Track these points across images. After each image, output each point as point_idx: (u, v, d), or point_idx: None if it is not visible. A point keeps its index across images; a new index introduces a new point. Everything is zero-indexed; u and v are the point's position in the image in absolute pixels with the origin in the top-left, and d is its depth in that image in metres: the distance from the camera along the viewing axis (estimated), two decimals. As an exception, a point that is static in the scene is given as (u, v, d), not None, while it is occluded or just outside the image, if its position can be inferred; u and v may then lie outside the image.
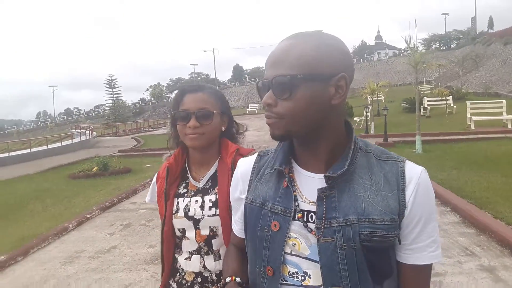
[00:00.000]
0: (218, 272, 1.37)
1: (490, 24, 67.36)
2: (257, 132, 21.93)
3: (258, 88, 0.95)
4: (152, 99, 69.41)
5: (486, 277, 3.44)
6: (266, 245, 0.95)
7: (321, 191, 0.89)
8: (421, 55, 11.72)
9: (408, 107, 21.94)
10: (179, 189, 1.44)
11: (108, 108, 47.73)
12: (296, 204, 0.93)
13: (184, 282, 1.41)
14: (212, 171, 1.42)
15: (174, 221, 1.39)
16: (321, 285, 0.90)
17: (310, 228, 0.90)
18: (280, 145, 1.02)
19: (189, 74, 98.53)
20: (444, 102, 20.00)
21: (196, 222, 1.36)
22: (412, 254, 0.90)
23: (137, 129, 36.57)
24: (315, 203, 0.91)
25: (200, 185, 1.42)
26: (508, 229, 4.30)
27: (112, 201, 7.14)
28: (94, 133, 26.34)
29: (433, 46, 67.68)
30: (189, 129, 1.34)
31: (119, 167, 10.86)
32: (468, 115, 15.33)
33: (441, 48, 64.48)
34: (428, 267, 0.92)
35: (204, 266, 1.38)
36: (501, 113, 15.26)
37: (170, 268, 1.44)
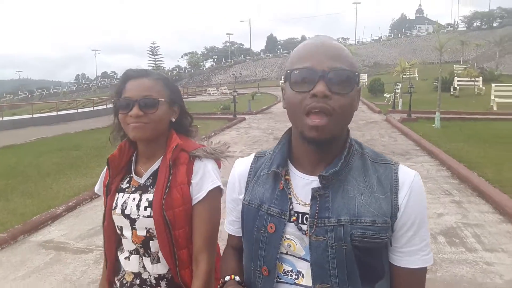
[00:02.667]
0: (156, 276, 1.28)
1: (538, 3, 64.18)
2: (290, 103, 23.43)
3: (294, 76, 0.87)
4: (188, 67, 71.34)
5: (453, 205, 5.10)
6: (262, 246, 0.96)
7: (315, 190, 0.91)
8: (448, 39, 12.72)
9: (440, 86, 22.67)
10: (122, 183, 1.33)
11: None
12: (291, 206, 0.94)
13: (124, 282, 1.32)
14: (155, 166, 1.31)
15: (114, 217, 1.30)
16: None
17: (304, 231, 0.92)
18: (278, 146, 1.03)
19: (223, 43, 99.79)
20: (473, 83, 20.72)
21: (132, 222, 1.27)
22: (404, 257, 0.92)
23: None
24: (308, 204, 0.92)
25: (142, 181, 1.31)
26: (481, 180, 5.87)
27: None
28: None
29: (475, 23, 65.42)
30: (131, 118, 1.22)
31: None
32: (492, 97, 16.25)
33: (483, 26, 62.30)
34: (422, 270, 0.92)
35: (144, 267, 1.29)
36: (525, 96, 16.09)
37: (113, 264, 1.36)
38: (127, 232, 1.28)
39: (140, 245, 1.27)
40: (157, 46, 44.54)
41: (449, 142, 9.14)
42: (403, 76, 20.62)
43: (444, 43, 12.32)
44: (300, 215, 0.93)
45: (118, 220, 1.29)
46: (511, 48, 37.68)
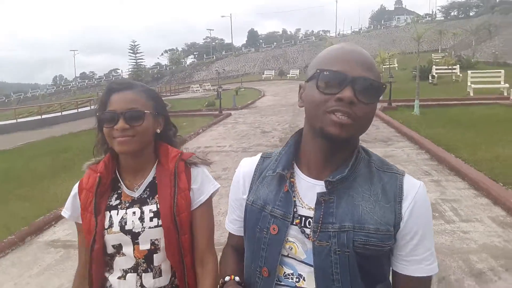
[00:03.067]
0: None
1: (511, -9, 65.98)
2: (273, 97, 23.81)
3: (323, 77, 0.87)
4: (170, 64, 70.96)
5: (432, 184, 5.48)
6: (264, 246, 0.97)
7: (320, 195, 0.92)
8: (426, 30, 13.18)
9: (419, 75, 23.31)
10: (110, 201, 1.29)
11: (129, 72, 49.81)
12: (295, 209, 0.95)
13: None
14: (149, 178, 1.30)
15: (107, 237, 1.25)
16: None
17: (307, 234, 0.93)
18: (285, 148, 1.03)
19: (203, 39, 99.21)
20: (450, 71, 21.38)
21: (134, 236, 1.25)
22: (409, 266, 0.93)
23: (159, 93, 38.65)
24: (312, 208, 0.93)
25: (136, 194, 1.29)
26: (458, 161, 6.28)
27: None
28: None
29: (452, 13, 66.85)
30: (117, 132, 1.20)
31: (163, 124, 13.00)
32: (469, 83, 16.86)
33: (460, 16, 63.74)
34: (426, 279, 0.93)
35: (142, 285, 1.26)
36: (499, 82, 16.71)
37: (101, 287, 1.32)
38: (128, 249, 1.25)
39: (143, 260, 1.26)
40: (138, 45, 44.41)
41: (428, 127, 9.57)
42: (383, 66, 21.15)
43: (422, 34, 12.77)
44: (303, 218, 0.94)
45: (115, 238, 1.25)
46: (486, 36, 38.72)
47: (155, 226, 1.24)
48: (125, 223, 1.25)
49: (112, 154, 1.31)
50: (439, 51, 40.53)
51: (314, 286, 0.92)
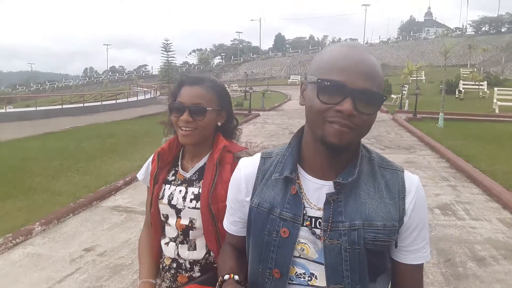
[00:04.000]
0: (191, 261, 1.40)
1: (547, 9, 64.59)
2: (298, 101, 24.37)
3: (323, 87, 0.88)
4: (198, 63, 72.46)
5: (449, 188, 6.06)
6: (274, 249, 0.98)
7: (329, 195, 0.94)
8: (452, 45, 13.59)
9: (446, 88, 23.49)
10: (168, 176, 1.45)
11: (160, 69, 51.39)
12: (304, 211, 0.96)
13: (164, 265, 1.46)
14: (201, 163, 1.43)
15: (160, 206, 1.42)
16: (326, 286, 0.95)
17: (318, 235, 0.95)
18: (288, 150, 1.04)
19: (231, 41, 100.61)
20: (477, 87, 21.53)
21: (178, 211, 1.39)
22: (409, 255, 0.99)
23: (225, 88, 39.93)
24: (321, 209, 0.95)
25: (188, 175, 1.43)
26: (475, 170, 6.79)
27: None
28: (158, 92, 29.88)
29: (483, 28, 65.89)
30: (181, 122, 1.33)
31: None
32: (494, 100, 17.08)
33: (491, 31, 62.77)
34: (421, 265, 1.01)
35: (178, 254, 1.41)
36: (525, 101, 16.90)
37: (159, 249, 1.48)
38: (172, 220, 1.40)
39: (181, 233, 1.39)
40: (170, 43, 45.63)
41: (450, 139, 10.03)
42: (410, 78, 21.48)
43: (450, 48, 13.20)
44: (313, 219, 0.96)
45: (164, 209, 1.41)
46: (517, 53, 38.18)
47: (193, 208, 1.37)
48: (172, 198, 1.40)
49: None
50: (468, 66, 40.17)
51: (326, 284, 0.95)
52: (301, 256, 0.97)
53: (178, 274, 1.41)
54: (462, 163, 7.33)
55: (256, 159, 1.10)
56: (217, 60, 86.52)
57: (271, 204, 1.00)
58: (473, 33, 65.17)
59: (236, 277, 1.01)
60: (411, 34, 77.36)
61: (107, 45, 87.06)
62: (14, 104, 17.32)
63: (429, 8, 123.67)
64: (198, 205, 1.36)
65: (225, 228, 1.16)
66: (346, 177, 0.94)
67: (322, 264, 0.95)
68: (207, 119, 1.36)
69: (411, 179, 0.99)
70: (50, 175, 6.79)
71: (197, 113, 1.33)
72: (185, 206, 1.38)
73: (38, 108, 16.50)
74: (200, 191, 1.37)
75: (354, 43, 0.95)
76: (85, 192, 5.73)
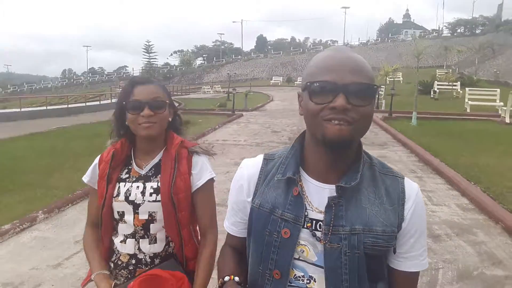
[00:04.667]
0: (152, 255, 1.46)
1: (517, 12, 67.33)
2: (281, 102, 24.97)
3: (314, 88, 0.90)
4: (180, 65, 72.40)
5: (415, 179, 6.63)
6: (274, 250, 0.99)
7: (331, 199, 0.94)
8: (424, 48, 14.35)
9: (421, 89, 24.39)
10: (121, 174, 1.50)
11: (141, 70, 51.26)
12: (306, 213, 0.97)
13: (120, 262, 1.48)
14: (156, 160, 1.49)
15: (114, 204, 1.46)
16: None
17: (318, 237, 0.95)
18: (291, 152, 1.05)
19: (213, 42, 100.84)
20: (451, 87, 22.52)
21: (136, 207, 1.44)
22: (405, 262, 1.00)
23: (171, 92, 40.09)
24: (322, 212, 0.96)
25: (143, 172, 1.48)
26: (441, 164, 7.43)
27: (192, 138, 10.46)
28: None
29: (458, 30, 68.04)
30: (142, 118, 1.39)
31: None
32: (466, 100, 17.98)
33: (466, 33, 64.88)
34: (418, 273, 1.02)
35: (139, 249, 1.46)
36: (494, 100, 17.80)
37: (107, 249, 1.51)
38: (129, 217, 1.45)
39: (141, 228, 1.45)
40: (152, 44, 45.90)
41: (422, 136, 10.68)
42: (388, 79, 22.29)
43: (421, 51, 13.96)
44: (314, 221, 0.96)
45: (121, 206, 1.46)
46: (490, 55, 39.70)
47: (153, 201, 1.43)
48: (129, 194, 1.45)
49: (129, 136, 1.51)
50: (444, 67, 41.43)
51: (325, 287, 0.95)
52: (300, 258, 0.98)
53: (137, 269, 1.45)
54: (429, 157, 7.97)
55: (258, 160, 1.11)
56: (199, 61, 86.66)
57: (272, 205, 1.01)
58: (449, 35, 67.25)
59: (237, 278, 1.02)
60: (389, 36, 79.02)
61: (87, 46, 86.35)
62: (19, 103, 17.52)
63: (407, 10, 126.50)
64: (159, 198, 1.43)
65: (226, 229, 1.17)
66: (348, 181, 0.94)
67: (321, 267, 0.96)
68: (166, 112, 1.47)
69: (411, 187, 1.01)
70: (43, 172, 7.09)
71: (157, 107, 1.43)
72: (144, 201, 1.44)
73: (23, 109, 16.59)
74: (159, 185, 1.44)
75: (338, 47, 0.98)
76: (80, 185, 6.04)
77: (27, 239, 4.21)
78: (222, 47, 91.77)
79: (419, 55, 13.88)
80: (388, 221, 0.95)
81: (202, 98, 31.79)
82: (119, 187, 1.48)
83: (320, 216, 0.96)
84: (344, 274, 0.94)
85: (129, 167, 1.52)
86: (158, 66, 58.29)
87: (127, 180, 1.49)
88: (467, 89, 18.88)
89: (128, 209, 1.45)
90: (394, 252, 1.00)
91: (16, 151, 9.02)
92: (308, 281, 0.98)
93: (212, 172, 1.54)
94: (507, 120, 13.53)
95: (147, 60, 46.40)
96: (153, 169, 1.49)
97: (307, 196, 0.99)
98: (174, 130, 1.57)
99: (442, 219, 4.82)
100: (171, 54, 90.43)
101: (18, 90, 71.79)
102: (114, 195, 1.47)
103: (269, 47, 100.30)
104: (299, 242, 0.98)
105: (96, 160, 1.56)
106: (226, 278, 1.02)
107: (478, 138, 10.56)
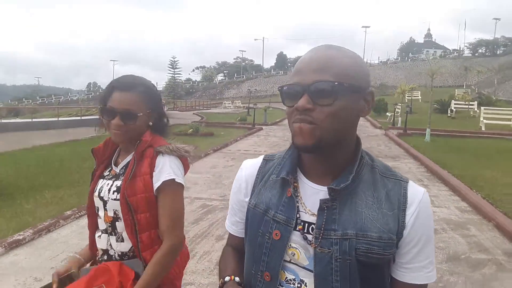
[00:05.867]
0: (120, 253, 1.45)
1: (540, 33, 66.78)
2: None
3: (284, 92, 0.91)
4: (202, 80, 74.31)
5: (421, 186, 7.26)
6: (265, 251, 0.97)
7: (323, 202, 0.91)
8: (438, 67, 14.96)
9: (439, 108, 24.91)
10: (105, 172, 1.54)
11: (165, 85, 52.89)
12: (298, 215, 0.94)
13: (98, 256, 1.53)
14: (128, 159, 1.50)
15: (94, 199, 1.50)
16: None
17: (309, 240, 0.92)
18: (288, 152, 1.03)
19: (234, 59, 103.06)
20: (467, 107, 22.91)
21: (104, 203, 1.46)
22: (408, 273, 0.92)
23: (194, 106, 41.49)
24: (315, 214, 0.92)
25: (117, 170, 1.51)
26: (448, 174, 8.02)
27: (215, 148, 11.36)
28: (166, 107, 31.50)
29: (480, 50, 67.91)
30: (113, 126, 1.41)
31: (205, 131, 15.21)
32: (481, 118, 18.37)
33: (487, 54, 64.71)
34: (424, 286, 0.94)
35: (110, 245, 1.47)
36: (510, 119, 18.13)
37: (93, 239, 1.55)
38: (101, 213, 1.48)
39: (109, 225, 1.46)
40: (177, 61, 47.51)
41: (434, 151, 11.22)
42: (407, 97, 22.82)
43: (435, 70, 14.60)
44: (306, 224, 0.94)
45: (96, 201, 1.50)
46: (511, 75, 39.73)
47: (115, 199, 1.44)
48: (101, 190, 1.48)
49: None
50: (464, 87, 41.66)
51: None
52: (291, 261, 0.96)
53: None
54: (437, 169, 8.57)
55: (258, 160, 1.11)
56: (220, 77, 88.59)
57: (267, 205, 0.99)
58: (470, 55, 67.19)
59: (237, 278, 1.02)
60: (410, 55, 79.31)
61: (114, 60, 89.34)
62: (21, 116, 18.58)
63: (428, 29, 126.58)
64: (119, 196, 1.43)
65: (227, 228, 1.17)
66: (339, 183, 0.91)
67: (312, 271, 0.93)
68: (138, 123, 1.45)
69: (416, 192, 0.94)
70: (87, 172, 8.00)
71: (128, 118, 1.42)
72: (109, 198, 1.46)
73: (60, 119, 17.90)
74: (121, 183, 1.45)
75: (317, 46, 0.95)
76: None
77: (85, 223, 5.02)
78: (243, 63, 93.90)
79: (433, 74, 14.50)
80: (385, 227, 0.89)
81: (223, 112, 32.92)
82: (98, 183, 1.52)
83: (313, 219, 0.93)
84: (335, 282, 0.90)
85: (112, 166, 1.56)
86: (182, 81, 60.06)
87: (106, 177, 1.53)
88: (482, 108, 19.28)
89: (100, 205, 1.49)
90: (394, 261, 0.94)
91: (61, 155, 10.05)
92: (299, 285, 0.95)
93: (172, 173, 1.45)
94: (520, 138, 13.91)
95: (171, 75, 48.03)
96: (123, 168, 1.51)
97: (301, 198, 0.97)
98: (158, 131, 1.56)
99: (441, 218, 5.46)
100: (193, 70, 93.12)
101: (46, 101, 74.80)
102: (95, 191, 1.51)
103: (289, 64, 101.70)
104: (290, 245, 0.95)
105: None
106: (227, 278, 1.02)
107: (488, 154, 11.01)
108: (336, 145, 0.92)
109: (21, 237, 4.30)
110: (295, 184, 0.98)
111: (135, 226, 1.42)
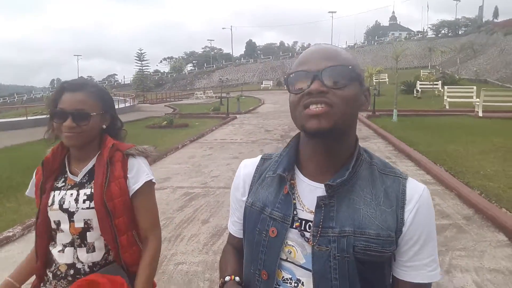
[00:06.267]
0: (90, 264, 1.40)
1: (495, 14, 70.46)
2: (273, 105, 26.09)
3: (291, 79, 0.91)
4: (171, 71, 73.35)
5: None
6: (263, 249, 0.97)
7: (320, 199, 0.90)
8: (403, 50, 15.56)
9: (405, 89, 25.76)
10: (57, 183, 1.45)
11: (133, 78, 51.95)
12: (295, 212, 0.94)
13: (58, 273, 1.42)
14: (90, 165, 1.45)
15: (50, 213, 1.42)
16: None
17: (306, 238, 0.92)
18: (286, 149, 1.03)
19: (202, 48, 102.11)
20: (432, 87, 23.86)
21: (70, 215, 1.39)
22: (409, 272, 0.91)
23: (165, 98, 41.11)
24: (312, 212, 0.92)
25: (78, 179, 1.44)
26: (414, 151, 8.54)
27: (192, 139, 11.53)
28: (136, 101, 31.07)
29: (442, 31, 70.07)
30: (65, 128, 1.35)
31: (180, 123, 15.30)
32: (445, 97, 19.24)
33: (449, 34, 66.87)
34: (427, 285, 0.92)
35: (77, 258, 1.41)
36: (471, 97, 19.08)
37: (44, 260, 1.45)
38: (65, 225, 1.41)
39: (77, 237, 1.40)
40: (144, 52, 46.77)
41: (401, 130, 11.77)
42: (374, 80, 23.55)
43: (400, 53, 15.17)
44: (303, 221, 0.93)
45: (56, 215, 1.41)
46: (471, 55, 41.30)
47: (87, 208, 1.39)
48: (63, 202, 1.41)
49: (62, 143, 1.45)
50: (429, 68, 42.89)
51: None
52: (288, 259, 0.95)
53: (76, 279, 1.39)
54: (404, 147, 9.10)
55: (256, 159, 1.11)
56: (189, 67, 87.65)
57: (263, 203, 0.99)
58: (434, 36, 69.20)
59: (237, 278, 1.02)
60: (376, 38, 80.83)
61: (78, 55, 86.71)
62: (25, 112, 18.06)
63: (393, 12, 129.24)
64: (92, 204, 1.39)
65: (228, 228, 1.18)
66: (335, 179, 0.90)
67: (309, 270, 0.92)
68: (91, 124, 1.40)
69: (415, 188, 0.93)
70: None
71: (80, 119, 1.37)
72: (78, 208, 1.40)
73: (29, 118, 17.42)
74: (92, 191, 1.40)
75: (318, 44, 0.96)
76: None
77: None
78: (212, 53, 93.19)
79: (397, 57, 15.07)
80: (384, 224, 0.89)
81: (196, 103, 32.79)
82: (54, 195, 1.44)
83: (310, 217, 0.93)
84: (334, 280, 0.89)
85: (65, 176, 1.48)
86: (150, 73, 59.15)
87: (62, 188, 1.45)
88: (445, 87, 20.14)
89: (63, 218, 1.42)
90: (394, 260, 0.94)
91: (36, 153, 9.91)
92: (296, 284, 0.95)
93: (149, 174, 1.49)
94: (480, 114, 14.77)
95: (139, 67, 47.24)
96: (87, 175, 1.46)
97: (298, 195, 0.96)
98: (112, 134, 1.53)
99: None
100: (161, 61, 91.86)
101: (8, 101, 71.87)
102: (49, 204, 1.43)
103: (259, 52, 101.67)
104: (286, 243, 0.95)
105: (35, 171, 1.53)
106: (227, 278, 1.02)
107: (451, 130, 11.60)
108: (343, 136, 0.93)
109: (11, 234, 4.43)
110: (292, 181, 0.98)
111: (114, 231, 1.40)
